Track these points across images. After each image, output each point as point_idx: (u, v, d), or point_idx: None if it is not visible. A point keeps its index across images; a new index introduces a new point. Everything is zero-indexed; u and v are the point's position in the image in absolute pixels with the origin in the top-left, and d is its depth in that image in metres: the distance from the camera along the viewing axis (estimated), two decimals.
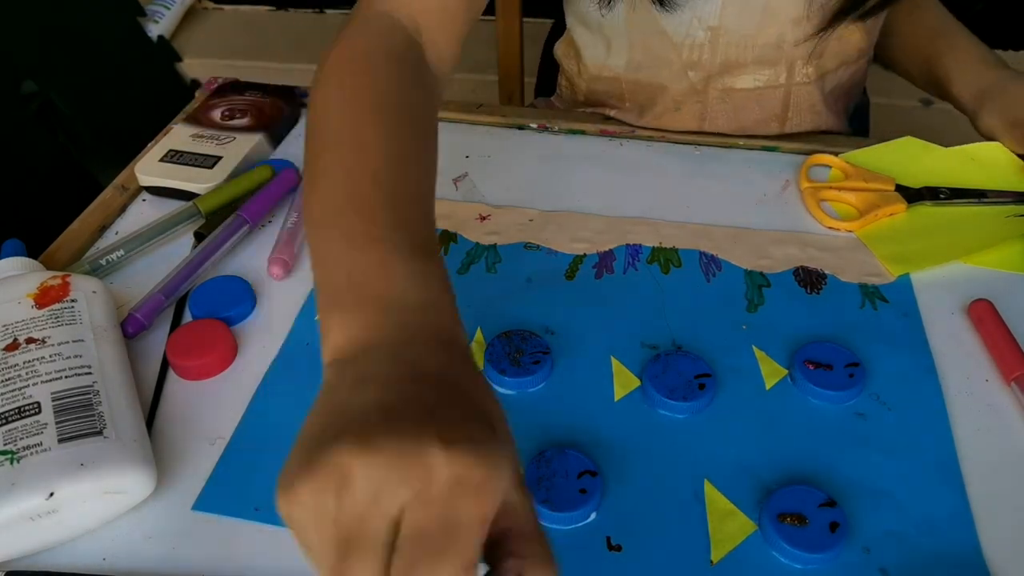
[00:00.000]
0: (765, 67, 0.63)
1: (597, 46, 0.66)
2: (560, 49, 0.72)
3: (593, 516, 0.41)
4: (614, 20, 0.63)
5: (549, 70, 0.83)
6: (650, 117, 0.67)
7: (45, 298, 0.45)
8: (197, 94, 0.72)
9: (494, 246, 0.57)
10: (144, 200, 0.62)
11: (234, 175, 0.61)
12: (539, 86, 0.90)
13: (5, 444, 0.38)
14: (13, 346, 0.42)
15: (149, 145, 0.66)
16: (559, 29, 0.74)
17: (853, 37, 0.64)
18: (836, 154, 0.64)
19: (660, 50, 0.63)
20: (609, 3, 0.61)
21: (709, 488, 0.42)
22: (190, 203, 0.58)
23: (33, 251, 0.53)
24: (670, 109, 0.66)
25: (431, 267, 0.35)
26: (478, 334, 0.50)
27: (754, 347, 0.50)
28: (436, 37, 0.49)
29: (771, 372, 0.48)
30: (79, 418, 0.40)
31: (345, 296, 0.34)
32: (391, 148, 0.40)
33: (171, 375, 0.49)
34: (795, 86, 0.65)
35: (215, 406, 0.47)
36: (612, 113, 0.69)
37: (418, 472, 0.26)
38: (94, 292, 0.47)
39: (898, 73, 0.76)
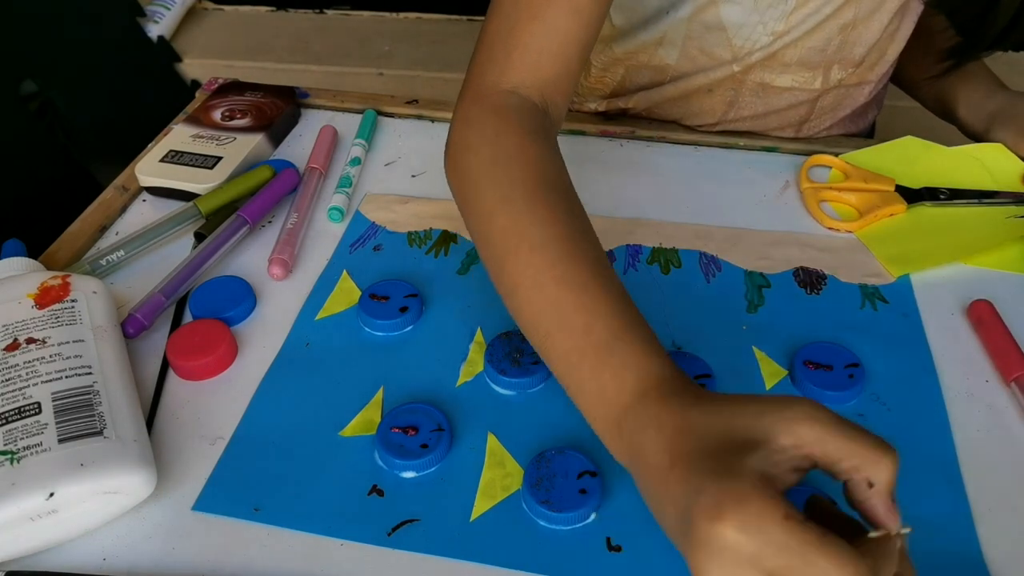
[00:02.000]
0: (806, 70, 0.64)
1: (649, 39, 0.65)
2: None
3: (593, 516, 0.41)
4: (678, 15, 0.62)
5: None
6: (678, 94, 0.67)
7: (45, 298, 0.45)
8: (197, 94, 0.72)
9: None
10: (144, 200, 0.62)
11: (234, 175, 0.61)
12: None
13: (5, 444, 0.38)
14: (13, 346, 0.42)
15: (149, 145, 0.66)
16: None
17: (889, 48, 0.64)
18: (836, 154, 0.65)
19: (716, 49, 0.63)
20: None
21: None
22: (190, 203, 0.58)
23: (33, 251, 0.53)
24: (703, 91, 0.66)
25: (630, 346, 0.38)
26: (478, 334, 0.51)
27: (754, 347, 0.50)
28: (558, 101, 0.50)
29: (771, 372, 0.48)
30: (79, 418, 0.40)
31: (594, 414, 0.39)
32: (560, 236, 0.42)
33: (171, 375, 0.49)
34: (826, 92, 0.65)
35: (215, 406, 0.47)
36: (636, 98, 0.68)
37: None
38: (94, 292, 0.47)
39: (907, 91, 0.76)
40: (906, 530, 0.32)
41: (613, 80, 0.70)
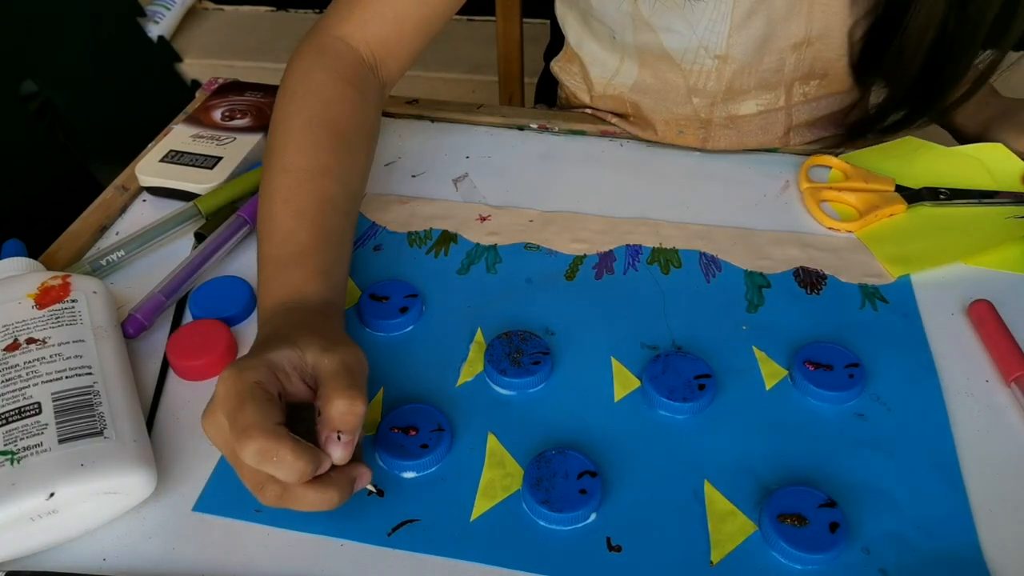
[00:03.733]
0: (766, 91, 0.63)
1: (607, 63, 0.66)
2: (558, 66, 0.72)
3: (593, 516, 0.41)
4: (625, 40, 0.63)
5: (549, 81, 0.83)
6: (651, 135, 0.67)
7: (45, 298, 0.45)
8: (197, 94, 0.72)
9: (494, 246, 0.57)
10: (144, 200, 0.62)
11: (234, 175, 0.61)
12: (539, 94, 0.90)
13: (5, 444, 0.38)
14: (13, 346, 0.42)
15: (149, 145, 0.66)
16: (556, 42, 0.73)
17: (843, 61, 0.63)
18: (836, 155, 0.65)
19: (667, 73, 0.63)
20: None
21: (709, 488, 0.42)
22: (190, 203, 0.58)
23: (33, 251, 0.53)
24: (672, 132, 0.66)
25: (318, 280, 0.47)
26: (478, 334, 0.51)
27: (754, 348, 0.50)
28: (389, 64, 0.58)
29: (771, 373, 0.48)
30: (79, 418, 0.40)
31: (269, 285, 0.47)
32: (308, 168, 0.50)
33: (171, 375, 0.49)
34: (794, 107, 0.65)
35: None
36: (614, 120, 0.68)
37: None
38: (94, 292, 0.47)
39: None
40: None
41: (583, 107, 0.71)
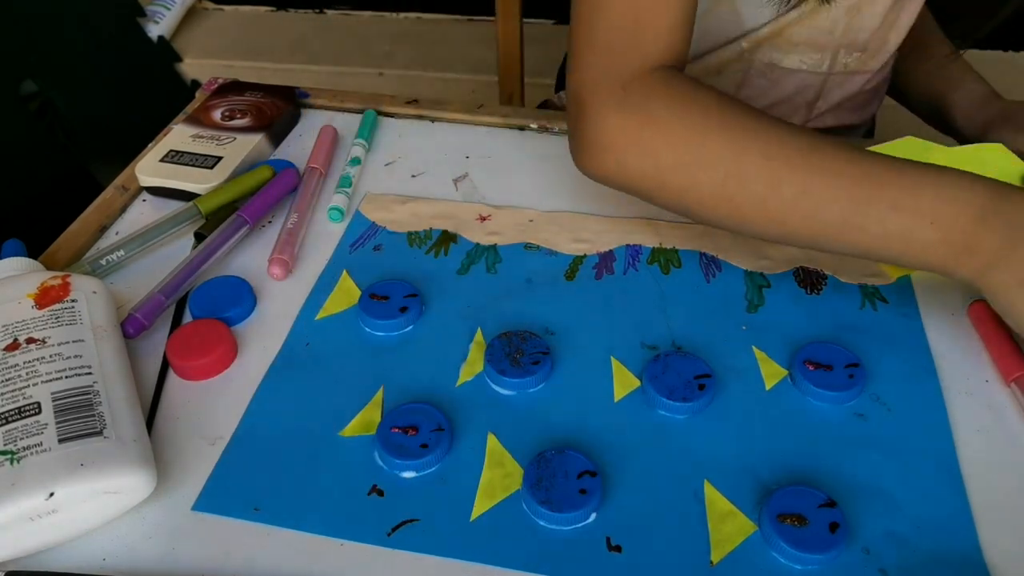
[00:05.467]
0: (813, 51, 0.64)
1: None
2: None
3: (593, 516, 0.41)
4: None
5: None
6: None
7: (45, 298, 0.45)
8: (197, 94, 0.72)
9: (494, 246, 0.57)
10: (144, 200, 0.62)
11: (234, 175, 0.61)
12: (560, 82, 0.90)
13: (5, 444, 0.38)
14: (13, 346, 0.42)
15: (149, 145, 0.66)
16: None
17: (890, 36, 0.64)
18: None
19: (727, 25, 0.64)
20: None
21: (709, 488, 0.42)
22: (190, 203, 0.58)
23: (33, 251, 0.53)
24: (712, 72, 0.66)
25: (933, 174, 0.43)
26: (478, 334, 0.51)
27: (754, 347, 0.50)
28: (684, 61, 0.53)
29: (771, 373, 0.48)
30: (79, 418, 0.40)
31: (933, 242, 0.43)
32: (789, 143, 0.46)
33: (171, 375, 0.49)
34: (832, 76, 0.66)
35: (215, 406, 0.47)
36: None
37: None
38: (94, 292, 0.47)
39: (900, 102, 0.77)
40: None
41: None
